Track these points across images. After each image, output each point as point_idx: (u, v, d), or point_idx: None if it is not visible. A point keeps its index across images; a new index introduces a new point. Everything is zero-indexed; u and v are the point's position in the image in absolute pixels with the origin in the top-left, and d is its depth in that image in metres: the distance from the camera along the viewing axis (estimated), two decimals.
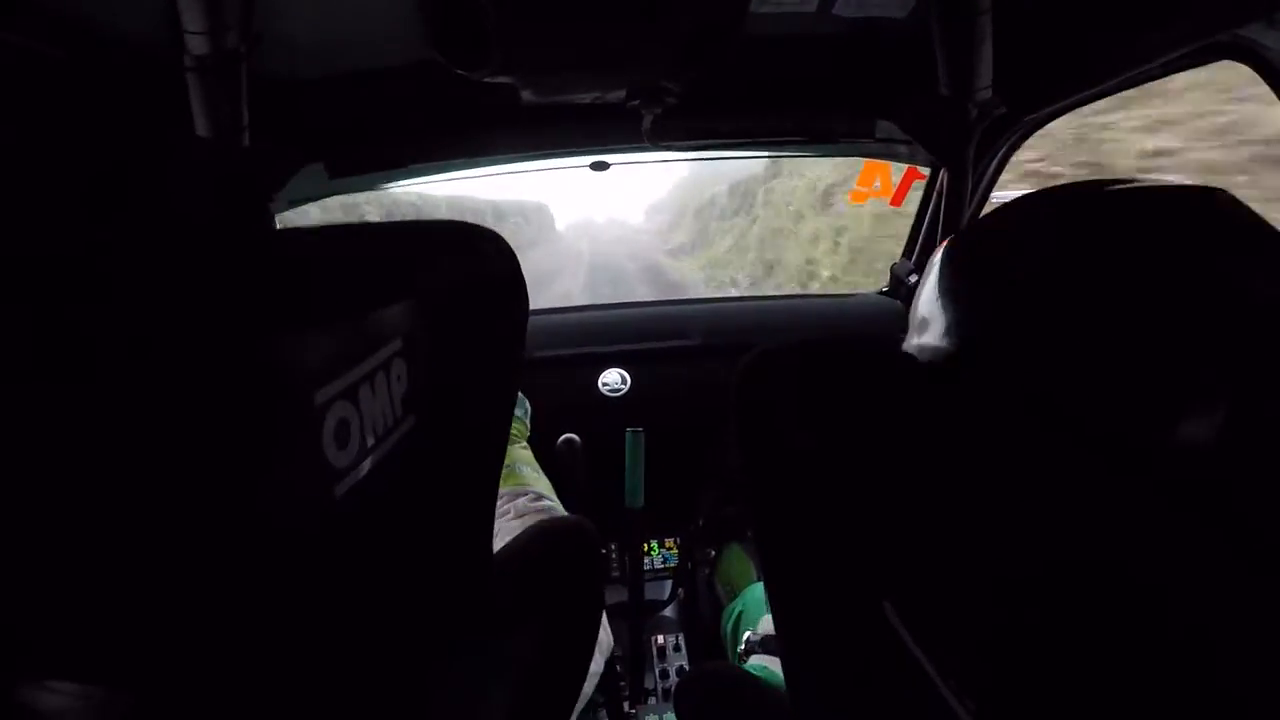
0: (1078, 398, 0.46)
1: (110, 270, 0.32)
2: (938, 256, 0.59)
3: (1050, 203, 0.55)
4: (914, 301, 0.60)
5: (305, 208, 1.78)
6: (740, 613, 1.59)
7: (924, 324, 0.57)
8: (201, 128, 1.08)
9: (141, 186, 0.37)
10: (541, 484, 1.31)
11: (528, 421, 1.49)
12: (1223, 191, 0.49)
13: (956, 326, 0.54)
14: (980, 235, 0.58)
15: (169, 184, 0.39)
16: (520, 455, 1.35)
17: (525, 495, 1.22)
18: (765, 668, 1.35)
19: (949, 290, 0.56)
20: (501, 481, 1.24)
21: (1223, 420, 0.42)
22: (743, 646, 1.47)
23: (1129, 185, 0.51)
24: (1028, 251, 0.52)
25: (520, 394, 1.47)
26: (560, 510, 1.25)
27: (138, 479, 0.30)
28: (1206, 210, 0.48)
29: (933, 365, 0.55)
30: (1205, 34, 1.06)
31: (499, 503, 1.20)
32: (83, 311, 0.30)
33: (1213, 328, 0.43)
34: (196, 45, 1.03)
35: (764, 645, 1.43)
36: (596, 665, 1.21)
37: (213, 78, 1.08)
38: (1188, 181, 0.51)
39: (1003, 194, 1.79)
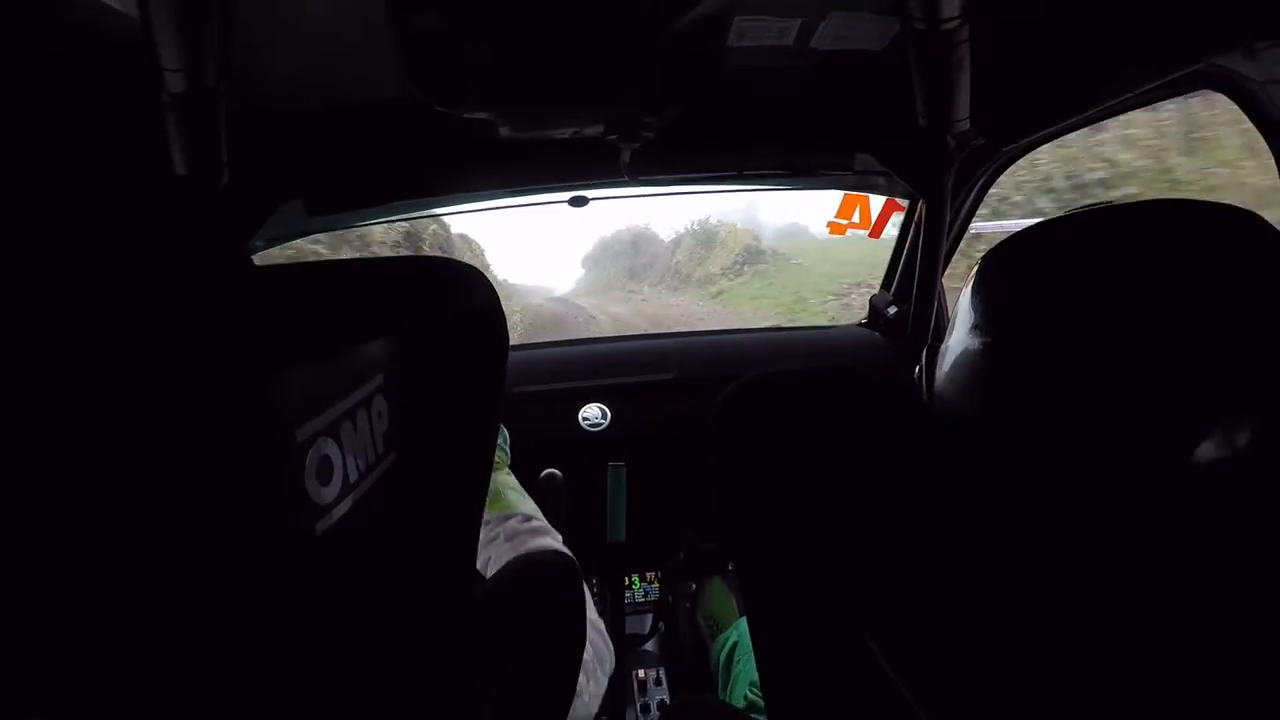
0: (1099, 412, 0.46)
1: (87, 309, 0.32)
2: (970, 279, 0.59)
3: (1085, 222, 0.55)
4: (954, 308, 0.60)
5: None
6: (735, 643, 1.58)
7: (955, 347, 0.57)
8: (180, 165, 1.07)
9: (119, 226, 0.37)
10: (527, 505, 1.29)
11: (508, 449, 1.48)
12: (1254, 214, 0.49)
13: (987, 336, 0.54)
14: (1016, 250, 0.58)
15: (146, 223, 0.39)
16: (504, 480, 1.34)
17: (514, 518, 1.21)
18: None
19: (982, 302, 0.55)
20: (488, 507, 1.23)
21: (1248, 439, 0.42)
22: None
23: (1161, 203, 0.52)
24: (1062, 268, 0.52)
25: (500, 424, 1.46)
26: (550, 530, 1.24)
27: (115, 516, 0.29)
28: (1240, 230, 0.48)
29: (953, 399, 0.55)
30: (1183, 64, 1.08)
31: (488, 528, 1.19)
32: (60, 351, 0.29)
33: (1242, 345, 0.43)
34: (174, 83, 1.01)
35: None
36: (599, 685, 1.19)
37: (190, 115, 1.05)
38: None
39: (982, 224, 1.81)
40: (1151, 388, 0.44)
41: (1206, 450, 0.42)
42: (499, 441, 1.44)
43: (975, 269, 0.58)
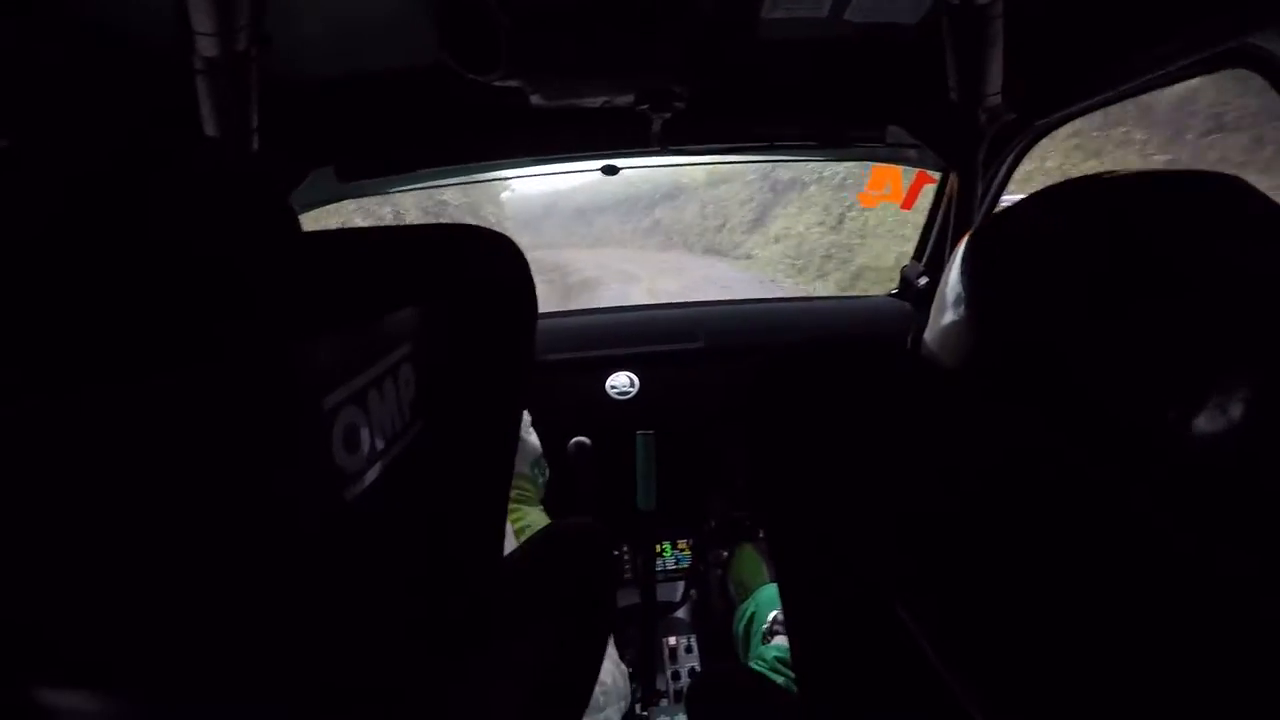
0: (1092, 389, 0.46)
1: (125, 269, 0.33)
2: (960, 248, 0.59)
3: (1070, 194, 0.54)
4: (938, 293, 0.60)
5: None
6: (753, 613, 1.59)
7: (943, 315, 0.58)
8: (211, 130, 1.07)
9: (162, 186, 0.38)
10: None
11: (543, 484, 1.46)
12: (1236, 178, 0.48)
13: (975, 319, 0.54)
14: (1001, 227, 0.58)
15: (189, 184, 0.40)
16: (538, 520, 1.33)
17: None
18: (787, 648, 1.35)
19: (969, 283, 0.56)
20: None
21: (1241, 412, 0.41)
22: (766, 626, 1.47)
23: (1143, 173, 0.51)
24: (1046, 242, 0.52)
25: (542, 458, 1.47)
26: None
27: (147, 482, 0.30)
28: (1221, 196, 0.48)
29: (943, 364, 0.55)
30: (1215, 41, 1.06)
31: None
32: (95, 311, 0.30)
33: (1228, 315, 0.43)
34: (206, 47, 1.02)
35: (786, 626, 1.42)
36: (612, 715, 1.22)
37: (222, 80, 1.07)
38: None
39: (1012, 198, 1.79)
40: (1141, 358, 0.44)
41: (1202, 422, 0.42)
42: (540, 480, 1.43)
43: (964, 243, 0.58)
